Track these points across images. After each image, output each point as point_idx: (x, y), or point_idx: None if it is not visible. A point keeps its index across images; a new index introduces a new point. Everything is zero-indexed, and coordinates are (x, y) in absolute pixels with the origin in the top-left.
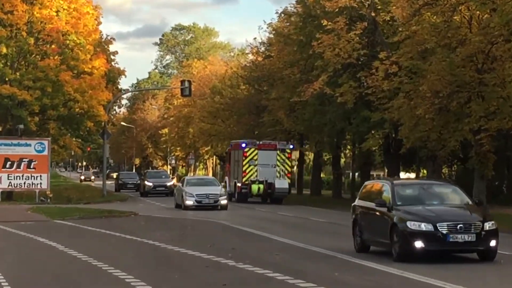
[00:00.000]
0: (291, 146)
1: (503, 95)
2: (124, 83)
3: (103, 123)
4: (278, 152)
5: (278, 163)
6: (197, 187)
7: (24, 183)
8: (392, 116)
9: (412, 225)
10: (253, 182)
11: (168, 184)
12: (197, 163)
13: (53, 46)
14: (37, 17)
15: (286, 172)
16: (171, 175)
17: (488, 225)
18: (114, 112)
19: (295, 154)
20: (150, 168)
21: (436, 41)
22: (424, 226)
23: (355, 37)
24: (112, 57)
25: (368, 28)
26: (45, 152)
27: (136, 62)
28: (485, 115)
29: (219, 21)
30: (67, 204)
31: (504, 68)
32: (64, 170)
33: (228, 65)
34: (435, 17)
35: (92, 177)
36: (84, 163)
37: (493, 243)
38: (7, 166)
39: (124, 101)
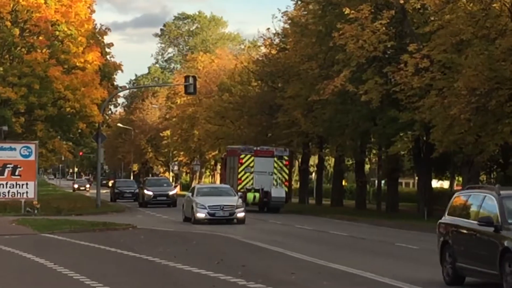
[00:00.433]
0: (288, 153)
1: None
2: (121, 79)
3: (97, 125)
4: (275, 159)
5: (275, 171)
6: (210, 197)
7: (8, 192)
8: (423, 116)
9: None
10: (249, 190)
11: (170, 193)
12: (203, 170)
13: (40, 37)
14: (23, 5)
15: (284, 180)
16: (173, 183)
17: None
18: (110, 112)
19: (313, 160)
20: (150, 175)
21: (473, 32)
22: None
23: (381, 28)
24: (107, 50)
25: (395, 17)
26: (32, 157)
27: (134, 55)
28: None
29: (227, 9)
30: (56, 215)
31: None
32: (53, 177)
33: (238, 59)
34: (471, 4)
35: (87, 186)
36: (76, 170)
37: None
38: None
39: (120, 100)
